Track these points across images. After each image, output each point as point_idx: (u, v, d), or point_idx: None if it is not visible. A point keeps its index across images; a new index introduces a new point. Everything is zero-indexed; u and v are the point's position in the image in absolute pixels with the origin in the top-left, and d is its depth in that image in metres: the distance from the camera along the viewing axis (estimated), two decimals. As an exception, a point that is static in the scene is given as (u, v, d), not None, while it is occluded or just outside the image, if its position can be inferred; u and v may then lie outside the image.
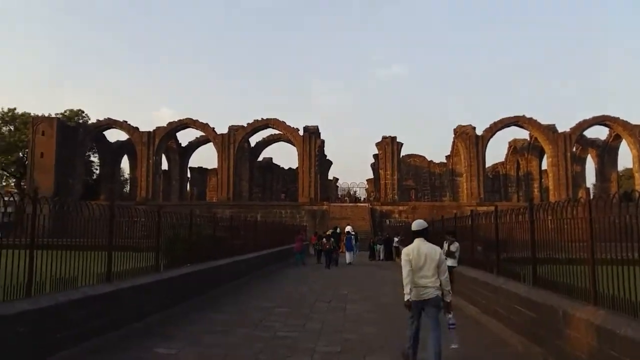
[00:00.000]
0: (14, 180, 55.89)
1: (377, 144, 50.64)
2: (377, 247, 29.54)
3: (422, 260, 6.20)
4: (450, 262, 12.60)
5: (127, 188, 59.07)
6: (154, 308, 9.20)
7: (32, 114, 50.75)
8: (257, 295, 13.36)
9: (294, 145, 50.93)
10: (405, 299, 6.22)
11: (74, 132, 49.77)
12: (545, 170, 52.37)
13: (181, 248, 12.45)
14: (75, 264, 7.35)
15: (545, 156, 50.68)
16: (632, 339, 4.61)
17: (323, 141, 52.00)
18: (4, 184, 57.41)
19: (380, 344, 7.74)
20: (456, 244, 12.68)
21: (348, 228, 28.78)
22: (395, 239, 27.34)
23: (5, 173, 57.40)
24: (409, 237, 15.90)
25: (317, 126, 50.62)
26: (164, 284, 9.78)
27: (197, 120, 50.87)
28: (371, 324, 9.32)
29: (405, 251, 6.42)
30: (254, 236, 20.15)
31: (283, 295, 13.55)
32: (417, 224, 6.59)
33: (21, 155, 53.76)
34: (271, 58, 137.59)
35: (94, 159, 57.98)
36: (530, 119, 47.89)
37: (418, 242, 6.39)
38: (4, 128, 54.61)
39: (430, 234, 6.81)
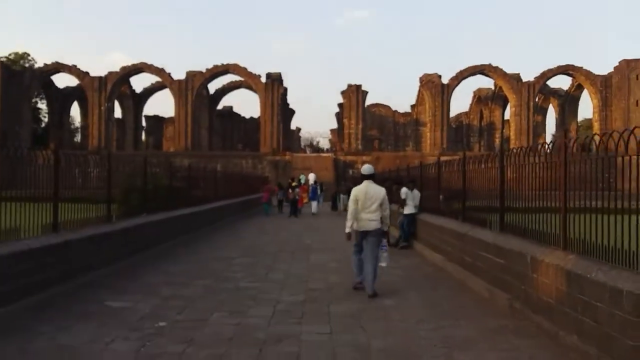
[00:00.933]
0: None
1: (342, 93, 49.89)
2: (339, 197, 29.30)
3: (368, 199, 7.38)
4: (407, 209, 12.55)
5: (79, 137, 56.44)
6: (105, 260, 8.67)
7: (-28, 57, 47.12)
8: (218, 246, 12.98)
9: (255, 92, 49.50)
10: (347, 231, 7.62)
11: (19, 76, 46.49)
12: (508, 120, 53.14)
13: (136, 198, 11.85)
14: (19, 215, 6.71)
15: (508, 105, 51.26)
16: (602, 283, 4.49)
17: (286, 89, 50.78)
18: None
19: (346, 293, 7.54)
20: (404, 190, 12.67)
21: (311, 176, 28.32)
22: None
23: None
24: (379, 184, 15.77)
25: (279, 73, 49.17)
26: (116, 235, 9.21)
27: (152, 65, 48.36)
28: (336, 273, 9.11)
29: (354, 192, 7.57)
30: (214, 186, 19.58)
31: (245, 246, 13.22)
32: (366, 169, 7.76)
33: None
34: (230, 1, 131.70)
35: (42, 106, 54.88)
36: (496, 67, 47.89)
37: (366, 183, 7.53)
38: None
39: (377, 178, 8.24)
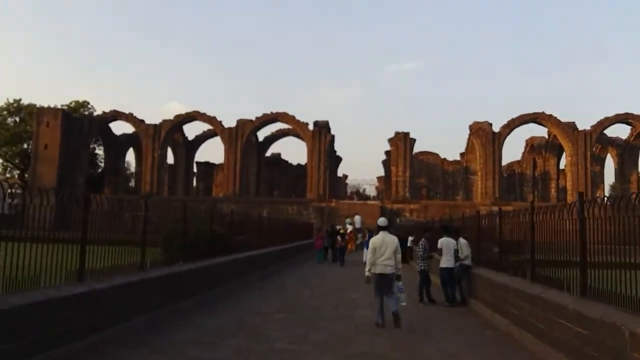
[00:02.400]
0: (18, 172, 55.13)
1: (389, 140, 49.22)
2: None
3: (384, 247, 8.59)
4: (443, 262, 11.45)
5: (133, 182, 58.09)
6: (134, 312, 8.02)
7: (37, 105, 49.91)
8: (257, 297, 12.15)
9: (303, 140, 49.67)
10: (366, 275, 8.89)
11: (79, 123, 48.73)
12: (563, 169, 50.61)
13: (178, 245, 11.38)
14: (51, 260, 6.37)
15: (564, 155, 48.91)
16: None
17: (333, 136, 50.67)
18: (7, 175, 56.59)
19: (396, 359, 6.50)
20: (440, 240, 11.70)
21: (357, 218, 27.36)
22: (410, 238, 25.46)
23: (10, 164, 56.69)
24: (420, 235, 15.02)
25: (327, 121, 49.24)
26: (148, 284, 8.59)
27: (204, 114, 49.67)
28: (384, 335, 8.06)
29: (372, 241, 8.81)
30: (258, 233, 18.99)
31: (286, 298, 12.33)
32: (382, 221, 9.11)
33: (26, 146, 52.93)
34: (281, 52, 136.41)
35: (99, 151, 57.00)
36: (550, 115, 46.04)
37: (382, 234, 8.77)
38: (9, 119, 53.65)
39: (391, 228, 9.98)
